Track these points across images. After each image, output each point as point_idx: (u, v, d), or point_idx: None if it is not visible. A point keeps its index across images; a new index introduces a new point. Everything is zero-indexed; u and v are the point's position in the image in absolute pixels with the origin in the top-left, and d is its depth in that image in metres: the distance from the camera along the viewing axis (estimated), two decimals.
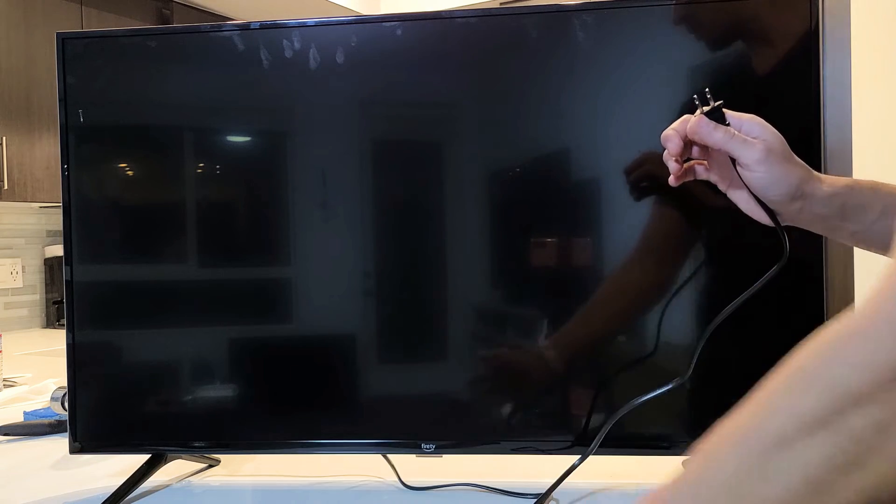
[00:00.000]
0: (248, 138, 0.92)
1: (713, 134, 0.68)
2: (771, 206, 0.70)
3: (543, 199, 0.86)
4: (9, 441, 1.19)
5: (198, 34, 0.90)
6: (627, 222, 0.85)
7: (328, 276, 0.89)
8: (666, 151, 0.72)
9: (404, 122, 0.90)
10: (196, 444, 0.92)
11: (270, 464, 1.04)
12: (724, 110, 0.69)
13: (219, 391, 0.91)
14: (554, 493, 0.86)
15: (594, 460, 0.97)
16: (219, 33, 0.89)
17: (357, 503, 0.89)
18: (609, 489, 0.89)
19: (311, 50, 0.87)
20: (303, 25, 0.88)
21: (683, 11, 0.83)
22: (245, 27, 0.89)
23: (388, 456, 0.96)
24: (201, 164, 0.91)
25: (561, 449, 0.87)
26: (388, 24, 0.87)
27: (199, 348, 0.91)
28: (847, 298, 2.13)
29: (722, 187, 0.74)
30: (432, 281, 0.88)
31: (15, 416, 1.30)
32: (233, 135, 0.92)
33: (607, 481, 0.92)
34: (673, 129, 0.72)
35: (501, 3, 2.98)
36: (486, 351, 0.88)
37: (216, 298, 0.91)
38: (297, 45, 0.88)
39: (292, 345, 0.91)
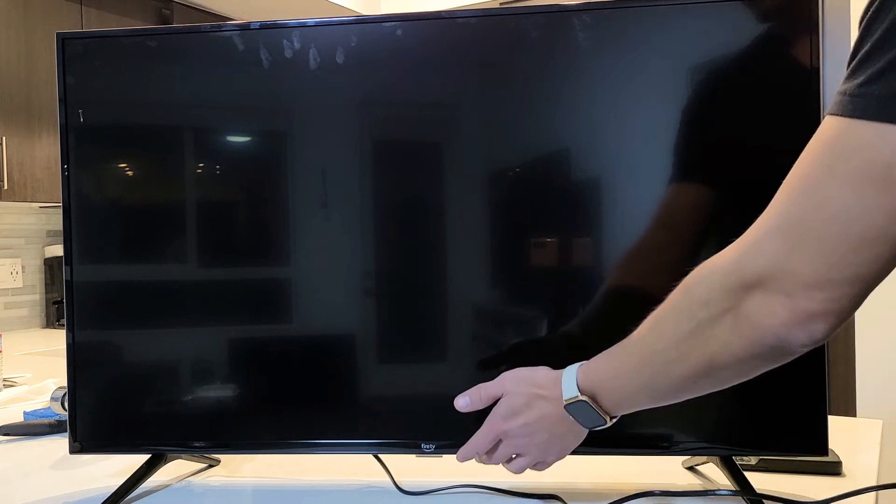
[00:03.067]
0: (248, 138, 0.92)
1: None
2: None
3: (543, 199, 0.86)
4: (9, 441, 1.19)
5: (198, 34, 0.90)
6: (628, 222, 0.85)
7: (328, 275, 0.89)
8: None
9: (404, 122, 0.90)
10: (196, 444, 0.92)
11: (270, 464, 1.04)
12: None
13: (219, 391, 0.91)
14: (555, 494, 0.86)
15: (594, 461, 0.98)
16: (219, 33, 0.89)
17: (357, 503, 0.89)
18: (609, 489, 0.89)
19: (311, 50, 0.87)
20: (303, 25, 0.88)
21: (683, 11, 0.83)
22: (245, 27, 0.89)
23: (385, 458, 0.95)
24: (201, 164, 0.91)
25: None
26: (388, 24, 0.87)
27: (198, 348, 0.91)
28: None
29: None
30: (432, 281, 0.88)
31: (15, 416, 1.30)
32: (233, 135, 0.92)
33: (607, 481, 0.92)
34: None
35: (501, 3, 2.98)
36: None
37: (216, 298, 0.91)
38: (297, 46, 0.87)
39: (292, 345, 0.90)
